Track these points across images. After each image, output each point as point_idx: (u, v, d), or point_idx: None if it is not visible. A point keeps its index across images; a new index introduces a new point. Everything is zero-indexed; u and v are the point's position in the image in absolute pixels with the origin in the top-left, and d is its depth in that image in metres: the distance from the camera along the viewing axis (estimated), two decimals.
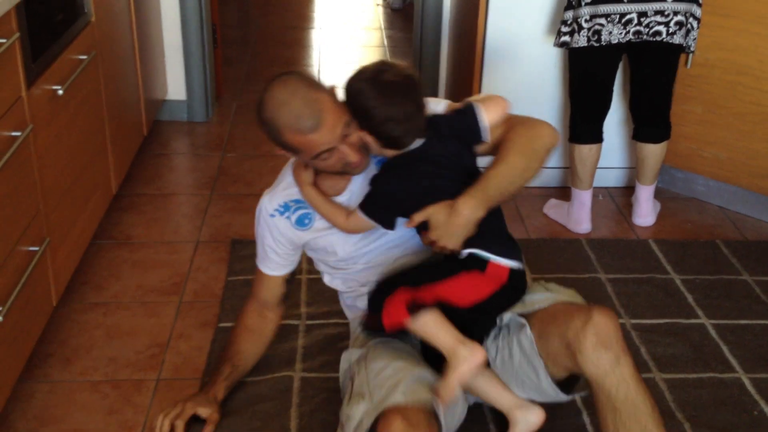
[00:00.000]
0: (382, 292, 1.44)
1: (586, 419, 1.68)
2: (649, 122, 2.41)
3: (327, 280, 1.68)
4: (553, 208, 2.56)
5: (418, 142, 1.42)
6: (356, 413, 1.39)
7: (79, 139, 2.08)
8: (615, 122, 2.58)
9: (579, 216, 2.46)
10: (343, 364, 1.59)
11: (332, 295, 2.06)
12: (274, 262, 1.63)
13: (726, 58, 2.44)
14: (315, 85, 1.41)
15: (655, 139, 2.41)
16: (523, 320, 1.45)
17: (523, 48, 2.55)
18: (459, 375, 1.37)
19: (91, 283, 2.14)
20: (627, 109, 2.58)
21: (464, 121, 1.46)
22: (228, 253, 2.28)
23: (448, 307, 1.40)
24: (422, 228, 1.43)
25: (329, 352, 1.86)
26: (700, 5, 2.21)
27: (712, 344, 1.96)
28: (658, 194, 2.60)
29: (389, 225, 1.46)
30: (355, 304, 1.65)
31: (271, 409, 1.70)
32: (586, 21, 2.18)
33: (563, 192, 2.64)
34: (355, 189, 1.51)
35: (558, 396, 1.45)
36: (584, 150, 2.39)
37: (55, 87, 1.86)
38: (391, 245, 1.55)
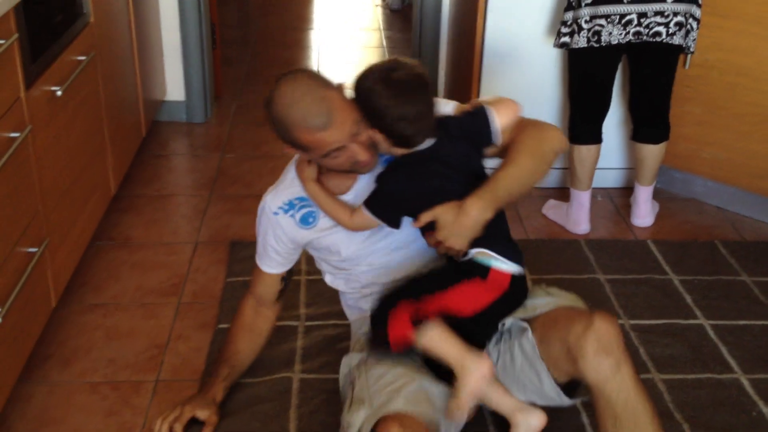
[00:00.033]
0: (384, 307, 1.43)
1: (585, 420, 1.68)
2: (649, 123, 2.41)
3: (329, 280, 1.67)
4: (552, 209, 2.56)
5: (428, 142, 1.41)
6: (356, 420, 1.39)
7: (78, 140, 2.07)
8: (614, 123, 2.59)
9: (578, 217, 2.46)
10: (343, 369, 1.59)
11: (331, 296, 2.06)
12: (274, 260, 1.62)
13: (725, 59, 2.45)
14: (325, 82, 1.40)
15: (655, 140, 2.42)
16: (525, 324, 1.45)
17: (522, 49, 2.55)
18: (470, 389, 1.36)
19: (90, 285, 2.14)
20: (626, 110, 2.58)
21: (475, 123, 1.46)
22: (227, 255, 2.28)
23: (450, 316, 1.40)
24: (428, 228, 1.42)
25: (328, 353, 1.86)
26: (699, 6, 2.21)
27: (711, 345, 1.96)
28: (657, 195, 2.60)
29: (394, 224, 1.45)
30: (357, 305, 1.65)
31: (270, 410, 1.70)
32: (586, 22, 2.19)
33: (562, 193, 2.64)
34: (361, 188, 1.51)
35: (561, 399, 1.45)
36: (583, 151, 2.39)
37: (53, 88, 1.86)
38: (395, 246, 1.54)
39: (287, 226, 1.55)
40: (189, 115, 3.16)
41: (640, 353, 1.92)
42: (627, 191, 2.68)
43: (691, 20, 2.21)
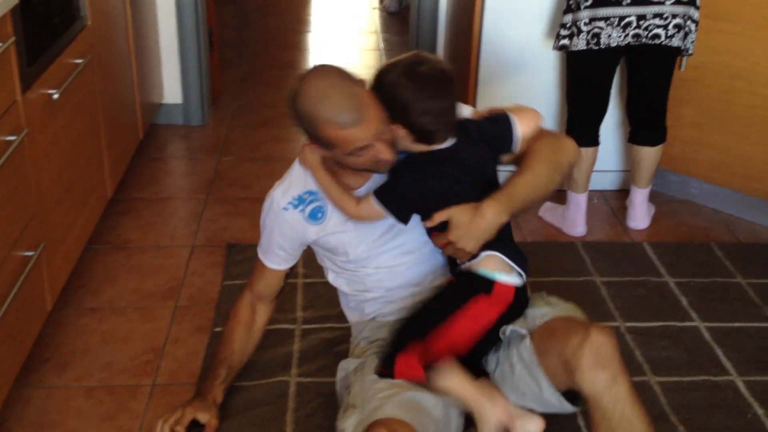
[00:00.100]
0: (393, 348, 1.42)
1: (581, 422, 1.68)
2: (648, 125, 2.41)
3: (331, 278, 1.66)
4: (548, 211, 2.57)
5: (448, 142, 1.40)
6: (348, 425, 1.39)
7: (75, 144, 2.08)
8: (610, 125, 2.59)
9: (574, 219, 2.47)
10: (340, 373, 1.58)
11: (329, 299, 2.06)
12: (279, 256, 1.60)
13: (720, 62, 2.45)
14: (353, 78, 1.37)
15: (652, 142, 2.42)
16: (524, 331, 1.45)
17: (519, 51, 2.55)
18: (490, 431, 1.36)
19: (87, 288, 2.14)
20: (622, 112, 2.59)
21: (496, 129, 1.45)
22: (224, 257, 2.28)
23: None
24: (438, 228, 1.41)
25: (325, 357, 1.86)
26: (697, 8, 2.22)
27: (706, 347, 1.96)
28: (653, 197, 2.61)
29: (404, 218, 1.43)
30: (359, 308, 1.63)
31: (267, 413, 1.70)
32: (585, 24, 2.19)
33: (558, 195, 2.64)
34: (373, 187, 1.48)
35: (562, 405, 1.44)
36: (581, 153, 2.40)
37: (50, 91, 1.86)
38: (403, 250, 1.53)
39: (295, 221, 1.53)
40: (186, 118, 3.16)
41: (636, 356, 1.92)
42: (623, 194, 2.69)
43: (689, 22, 2.22)
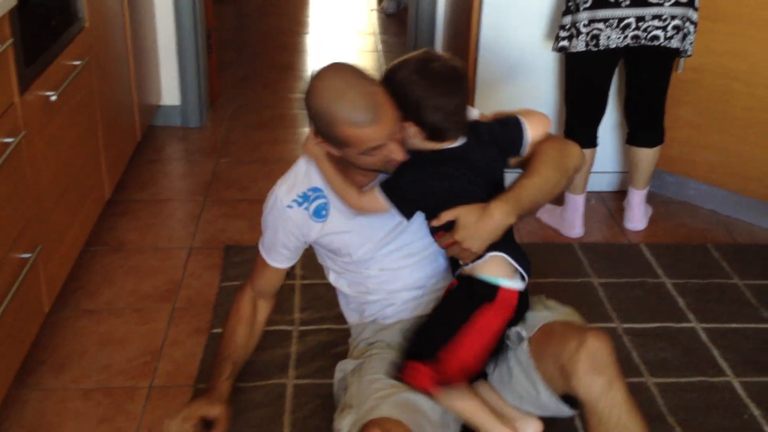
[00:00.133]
0: (405, 366, 1.42)
1: (578, 424, 1.69)
2: (647, 126, 2.42)
3: (332, 278, 1.64)
4: (546, 213, 2.57)
5: (459, 141, 1.40)
6: (344, 425, 1.39)
7: (73, 145, 2.08)
8: (608, 127, 2.60)
9: (572, 220, 2.47)
10: (338, 374, 1.58)
11: (326, 301, 2.07)
12: (282, 254, 1.58)
13: (718, 63, 2.46)
14: (368, 77, 1.36)
15: (651, 144, 2.43)
16: (523, 334, 1.45)
17: (517, 52, 2.56)
18: None
19: (84, 290, 2.14)
20: (620, 113, 2.60)
21: (506, 132, 1.45)
22: (221, 259, 2.28)
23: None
24: (442, 228, 1.40)
25: (323, 359, 1.86)
26: (696, 9, 2.23)
27: (703, 348, 1.97)
28: (650, 198, 2.61)
29: (407, 214, 1.41)
30: (359, 310, 1.62)
31: (265, 415, 1.70)
32: (584, 26, 2.20)
33: (556, 196, 2.65)
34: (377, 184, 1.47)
35: (560, 409, 1.44)
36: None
37: (48, 93, 1.86)
38: (406, 253, 1.52)
39: (299, 219, 1.51)
40: (184, 119, 3.16)
41: (633, 357, 1.92)
42: (620, 195, 2.69)
43: (688, 23, 2.22)
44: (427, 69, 1.36)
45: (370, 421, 1.32)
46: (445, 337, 1.39)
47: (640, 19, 2.17)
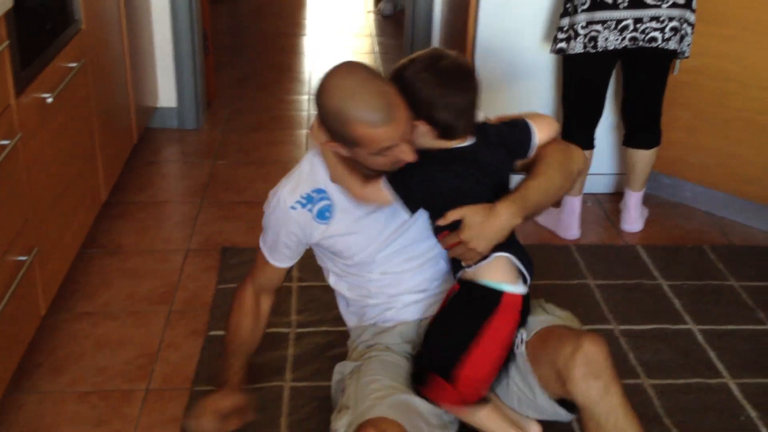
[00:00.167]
0: (421, 381, 1.42)
1: (575, 425, 1.69)
2: (644, 128, 2.43)
3: (332, 281, 1.63)
4: (542, 215, 2.57)
5: (468, 140, 1.39)
6: (341, 426, 1.39)
7: (69, 148, 2.07)
8: (604, 129, 2.60)
9: (568, 222, 2.47)
10: (336, 376, 1.57)
11: (323, 303, 2.07)
12: (284, 255, 1.57)
13: (713, 65, 2.47)
14: (381, 76, 1.34)
15: (648, 145, 2.43)
16: (523, 336, 1.45)
17: (514, 54, 2.56)
18: None
19: (81, 293, 2.13)
20: (616, 115, 2.60)
21: (515, 134, 1.44)
22: (218, 261, 2.28)
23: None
24: (450, 228, 1.38)
25: (319, 361, 1.86)
26: (693, 11, 2.23)
27: (700, 350, 1.97)
28: (646, 200, 2.61)
29: (412, 207, 1.40)
30: (360, 312, 1.60)
31: (261, 418, 1.69)
32: (582, 27, 2.20)
33: None
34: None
35: (558, 413, 1.44)
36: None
37: (44, 95, 1.86)
38: (409, 256, 1.51)
39: (303, 221, 1.49)
40: (181, 121, 3.16)
41: (630, 358, 1.93)
42: (616, 197, 2.70)
43: (685, 25, 2.23)
44: (438, 67, 1.35)
45: (366, 421, 1.32)
46: (460, 349, 1.38)
47: (638, 20, 2.17)
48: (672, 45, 2.22)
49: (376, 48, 4.29)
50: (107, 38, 2.46)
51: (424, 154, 1.38)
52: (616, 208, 2.63)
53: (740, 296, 2.20)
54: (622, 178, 2.64)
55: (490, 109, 1.66)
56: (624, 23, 2.18)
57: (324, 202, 1.48)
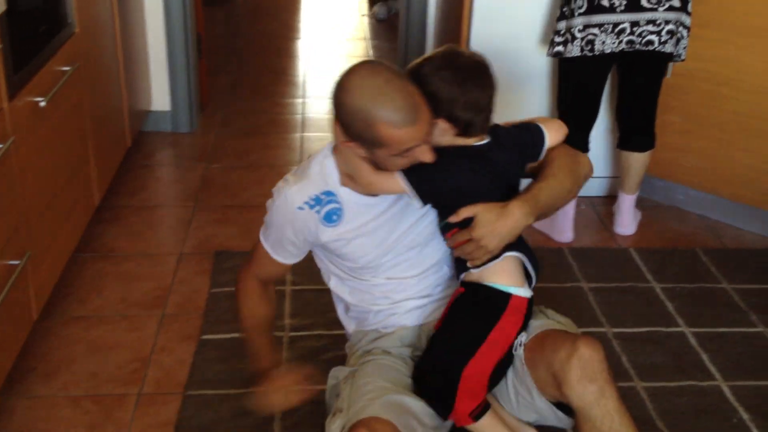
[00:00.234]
0: (443, 392, 1.42)
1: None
2: (640, 131, 2.43)
3: (333, 284, 1.59)
4: None
5: (485, 139, 1.39)
6: (335, 429, 1.38)
7: (62, 151, 2.07)
8: (598, 132, 2.61)
9: (562, 225, 2.48)
10: (331, 381, 1.56)
11: (317, 306, 2.07)
12: (289, 251, 1.54)
13: (706, 69, 2.48)
14: (403, 75, 1.32)
15: (643, 148, 2.44)
16: (522, 337, 1.44)
17: (507, 58, 2.57)
18: None
19: (73, 297, 2.13)
20: (610, 118, 2.61)
21: (527, 137, 1.45)
22: (211, 265, 2.28)
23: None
24: (461, 225, 1.37)
25: (313, 365, 1.85)
26: (689, 14, 2.24)
27: (692, 352, 1.98)
28: (639, 203, 2.62)
29: (424, 198, 1.38)
30: (360, 318, 1.58)
31: (255, 423, 1.69)
32: (579, 31, 2.21)
33: None
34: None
35: (557, 416, 1.44)
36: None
37: (37, 99, 1.86)
38: (414, 262, 1.50)
39: (310, 221, 1.46)
40: (174, 125, 3.16)
41: (623, 361, 1.93)
42: (610, 200, 2.70)
43: (681, 28, 2.24)
44: (457, 64, 1.35)
45: (358, 421, 1.32)
46: (465, 351, 1.39)
47: (634, 24, 2.19)
48: (668, 48, 2.23)
49: (370, 52, 4.29)
50: (101, 42, 2.45)
51: (439, 149, 1.37)
52: (609, 211, 2.64)
53: (732, 299, 2.21)
54: (616, 182, 2.65)
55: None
56: (621, 26, 2.19)
57: (332, 205, 1.45)
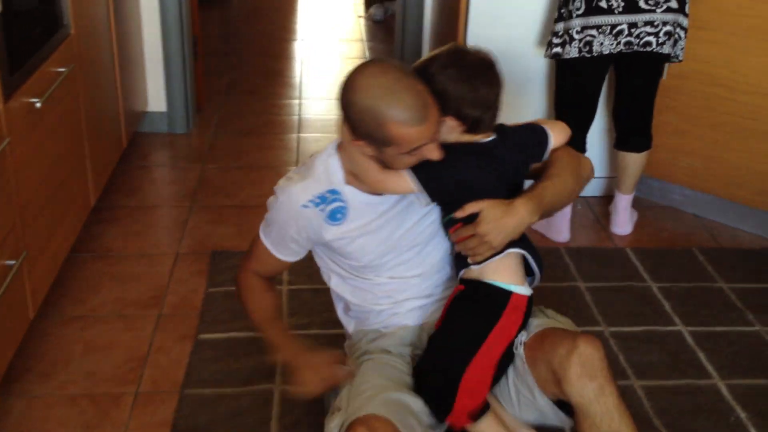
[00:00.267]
0: (442, 393, 1.41)
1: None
2: (637, 132, 2.44)
3: (334, 282, 1.58)
4: None
5: (491, 136, 1.39)
6: (333, 427, 1.38)
7: (58, 152, 2.07)
8: (595, 132, 2.61)
9: (559, 225, 2.48)
10: None
11: (313, 306, 2.07)
12: (291, 249, 1.53)
13: (701, 70, 2.49)
14: (412, 73, 1.31)
15: (640, 148, 2.45)
16: (522, 337, 1.45)
17: (503, 59, 2.56)
18: None
19: (70, 297, 2.12)
20: (607, 119, 2.62)
21: (532, 137, 1.45)
22: (208, 265, 2.28)
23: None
24: (465, 221, 1.37)
25: None
26: (686, 15, 2.25)
27: (689, 351, 1.98)
28: (635, 203, 2.63)
29: (432, 196, 1.38)
30: (361, 318, 1.58)
31: (252, 422, 1.69)
32: (577, 32, 2.21)
33: None
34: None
35: (558, 415, 1.44)
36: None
37: (33, 100, 1.85)
38: (418, 261, 1.50)
39: (314, 219, 1.45)
40: (170, 126, 3.15)
41: (620, 360, 1.93)
42: (606, 200, 2.71)
43: (678, 29, 2.25)
44: (464, 61, 1.35)
45: (356, 419, 1.32)
46: (465, 350, 1.39)
47: (632, 25, 2.19)
48: (666, 49, 2.24)
49: (367, 53, 4.30)
50: (96, 43, 2.45)
51: (446, 146, 1.37)
52: (606, 211, 2.65)
53: (729, 298, 2.21)
54: (612, 182, 2.66)
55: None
56: (619, 28, 2.19)
57: (337, 204, 1.45)
